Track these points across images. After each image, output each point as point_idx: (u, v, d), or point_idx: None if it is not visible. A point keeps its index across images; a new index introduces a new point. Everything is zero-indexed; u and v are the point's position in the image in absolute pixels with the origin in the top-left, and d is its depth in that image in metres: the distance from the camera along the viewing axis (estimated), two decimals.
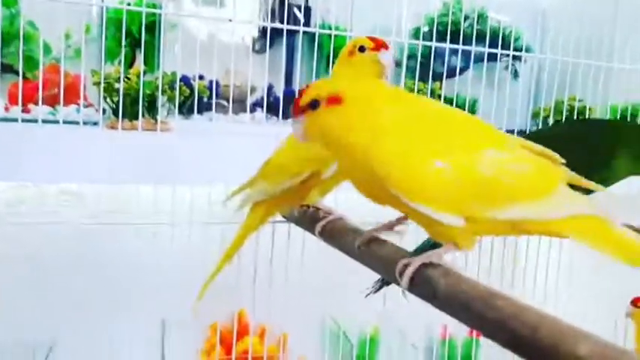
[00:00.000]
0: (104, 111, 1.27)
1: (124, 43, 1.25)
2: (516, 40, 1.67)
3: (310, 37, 1.47)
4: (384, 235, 0.52)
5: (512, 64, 1.72)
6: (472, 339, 1.73)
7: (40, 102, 1.17)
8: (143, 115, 1.23)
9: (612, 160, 0.68)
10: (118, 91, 1.22)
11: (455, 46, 1.50)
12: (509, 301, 0.37)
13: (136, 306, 1.49)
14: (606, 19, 1.59)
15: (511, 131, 1.56)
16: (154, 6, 1.31)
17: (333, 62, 1.52)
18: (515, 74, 1.73)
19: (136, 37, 1.38)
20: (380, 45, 0.61)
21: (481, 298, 0.38)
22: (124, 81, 1.23)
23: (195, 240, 1.43)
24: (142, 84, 1.22)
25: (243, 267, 1.45)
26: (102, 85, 1.22)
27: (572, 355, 0.31)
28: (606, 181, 0.68)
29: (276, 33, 1.45)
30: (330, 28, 1.48)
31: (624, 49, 1.52)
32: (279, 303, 1.40)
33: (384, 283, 0.69)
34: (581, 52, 1.51)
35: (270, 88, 1.53)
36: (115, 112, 1.24)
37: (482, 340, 1.70)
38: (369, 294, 0.70)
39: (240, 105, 1.47)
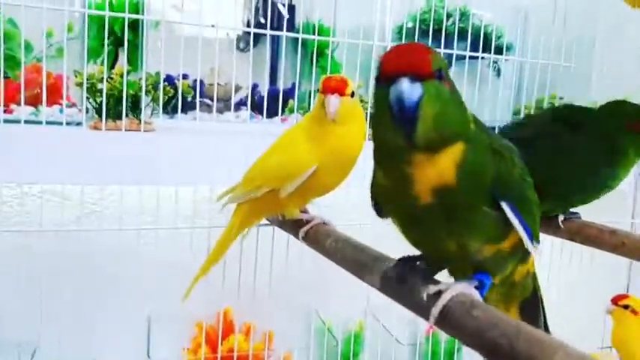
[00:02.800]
0: (87, 111, 1.26)
1: (106, 42, 1.24)
2: (498, 38, 1.68)
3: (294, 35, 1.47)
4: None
5: (495, 62, 1.74)
6: None
7: (22, 102, 1.16)
8: (127, 115, 1.23)
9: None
10: (101, 91, 1.21)
11: (436, 49, 1.50)
12: (488, 312, 0.38)
13: (122, 305, 1.49)
14: (588, 20, 1.60)
15: (493, 129, 1.57)
16: (137, 7, 1.31)
17: (317, 61, 1.52)
18: (498, 72, 1.75)
19: (118, 36, 1.37)
20: (326, 89, 0.62)
21: (461, 308, 0.39)
22: (107, 81, 1.22)
23: (180, 239, 1.43)
24: (125, 84, 1.22)
25: (228, 265, 1.45)
26: (85, 85, 1.21)
27: None
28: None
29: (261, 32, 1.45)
30: (313, 27, 1.49)
31: (604, 50, 1.54)
32: (264, 301, 1.41)
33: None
34: (562, 52, 1.53)
35: (254, 86, 1.53)
36: (99, 112, 1.23)
37: None
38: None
39: (224, 104, 1.47)
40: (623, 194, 1.66)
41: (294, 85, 1.52)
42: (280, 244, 1.15)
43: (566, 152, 0.73)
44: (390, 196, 0.46)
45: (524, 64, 1.65)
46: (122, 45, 1.33)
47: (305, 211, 0.72)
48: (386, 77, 0.42)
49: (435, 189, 0.42)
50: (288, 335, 1.63)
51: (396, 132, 0.40)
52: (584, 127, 0.74)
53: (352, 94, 0.65)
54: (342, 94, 0.63)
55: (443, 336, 1.75)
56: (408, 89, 0.40)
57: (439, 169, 0.42)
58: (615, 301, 1.21)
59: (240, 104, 1.50)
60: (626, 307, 1.18)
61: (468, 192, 0.43)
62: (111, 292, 1.47)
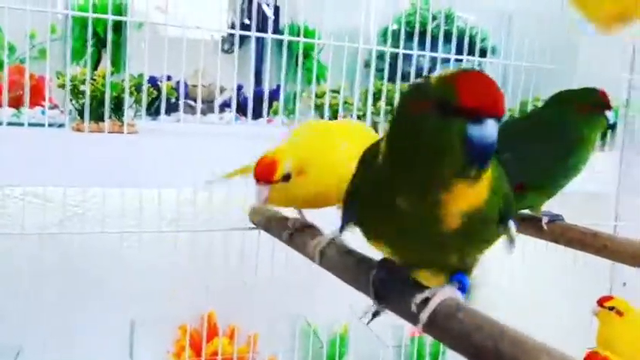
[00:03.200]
0: (70, 112, 1.25)
1: (89, 43, 1.23)
2: (482, 40, 1.69)
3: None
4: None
5: (479, 65, 1.74)
6: None
7: (4, 104, 1.15)
8: (110, 117, 1.22)
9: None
10: (83, 92, 1.20)
11: (421, 52, 1.51)
12: (472, 314, 0.38)
13: (105, 308, 1.48)
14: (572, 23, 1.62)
15: None
16: (120, 8, 1.30)
17: (303, 62, 1.52)
18: None
19: (101, 38, 1.36)
20: (255, 176, 0.62)
21: (446, 312, 0.39)
22: (89, 82, 1.21)
23: (163, 242, 1.42)
24: (108, 85, 1.21)
25: (212, 268, 1.45)
26: (67, 86, 1.20)
27: None
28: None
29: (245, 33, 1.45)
30: (298, 29, 1.48)
31: (588, 53, 1.56)
32: (248, 303, 1.41)
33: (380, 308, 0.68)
34: (546, 55, 1.54)
35: (239, 88, 1.52)
36: (81, 114, 1.22)
37: None
38: (368, 322, 0.69)
39: (208, 105, 1.47)
40: (606, 198, 1.67)
41: (279, 86, 1.51)
42: (265, 247, 1.14)
43: (532, 145, 0.78)
44: (400, 220, 0.43)
45: (508, 66, 1.66)
46: (105, 46, 1.32)
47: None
48: (467, 111, 0.40)
49: (466, 213, 0.42)
50: (272, 338, 1.62)
51: (464, 165, 0.40)
52: (542, 118, 0.82)
53: (287, 177, 0.62)
54: (269, 181, 0.62)
55: (428, 338, 1.76)
56: (494, 132, 0.40)
57: (476, 194, 0.42)
58: (601, 302, 1.22)
59: (225, 106, 1.50)
60: (611, 308, 1.19)
61: (491, 213, 0.44)
62: (94, 295, 1.46)
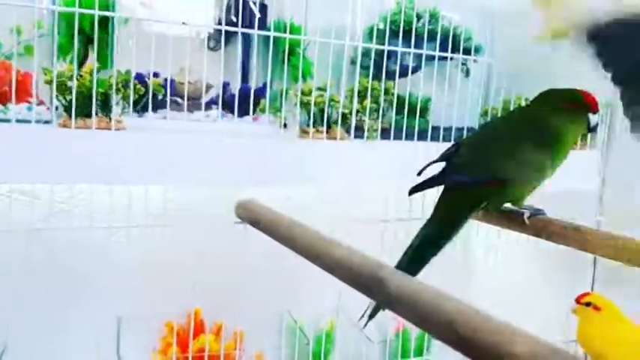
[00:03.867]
0: (56, 109, 1.25)
1: (76, 39, 1.23)
2: (467, 40, 1.71)
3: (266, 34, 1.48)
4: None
5: (464, 64, 1.76)
6: (425, 332, 1.77)
7: None
8: (96, 114, 1.22)
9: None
10: (70, 89, 1.20)
11: (407, 50, 1.53)
12: (453, 302, 0.39)
13: (91, 305, 1.48)
14: None
15: (461, 129, 1.60)
16: (106, 4, 1.30)
17: (289, 59, 1.53)
18: (467, 73, 1.77)
19: (88, 34, 1.36)
20: None
21: (428, 299, 0.41)
22: (76, 79, 1.21)
23: (150, 239, 1.43)
24: (95, 82, 1.21)
25: (198, 265, 1.45)
26: (54, 82, 1.20)
27: (510, 354, 0.33)
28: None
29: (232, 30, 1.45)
30: (285, 26, 1.49)
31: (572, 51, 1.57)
32: (235, 300, 1.41)
33: (378, 308, 0.70)
34: (530, 55, 1.56)
35: (225, 85, 1.52)
36: (68, 111, 1.22)
37: None
38: (366, 323, 0.71)
39: (195, 103, 1.47)
40: (588, 195, 1.70)
41: (265, 84, 1.52)
42: (251, 243, 1.15)
43: (514, 141, 0.81)
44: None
45: (492, 66, 1.68)
46: (91, 42, 1.32)
47: None
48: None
49: None
50: (259, 335, 1.63)
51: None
52: (525, 115, 0.86)
53: None
54: None
55: (413, 333, 1.77)
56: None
57: None
58: (578, 299, 1.24)
59: (211, 103, 1.50)
60: (588, 304, 1.22)
61: None
62: (81, 292, 1.46)
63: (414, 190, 0.80)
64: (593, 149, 1.70)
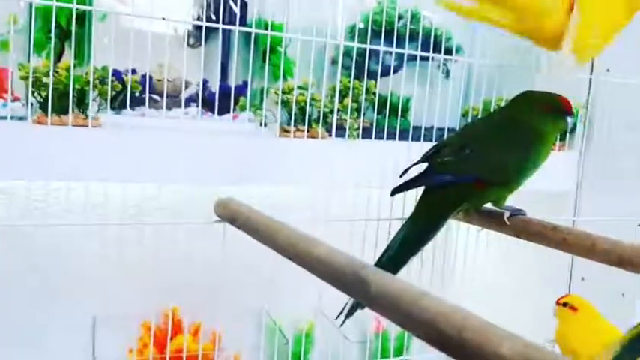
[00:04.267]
0: (32, 105, 1.23)
1: (53, 34, 1.21)
2: (448, 40, 1.71)
3: (246, 31, 1.46)
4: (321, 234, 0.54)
5: (444, 64, 1.77)
6: (404, 332, 1.77)
7: None
8: (73, 110, 1.20)
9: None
10: (46, 85, 1.18)
11: (389, 49, 1.53)
12: (436, 301, 0.38)
13: (67, 304, 1.46)
14: None
15: (442, 129, 1.60)
16: (84, 0, 1.27)
17: (270, 58, 1.52)
18: (447, 74, 1.78)
19: (65, 29, 1.33)
20: None
21: (410, 298, 0.40)
22: (52, 75, 1.19)
23: (126, 238, 1.41)
24: (71, 78, 1.19)
25: (176, 264, 1.44)
26: (30, 78, 1.17)
27: (495, 355, 0.33)
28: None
29: (212, 27, 1.43)
30: (265, 24, 1.48)
31: (550, 54, 1.59)
32: (213, 299, 1.40)
33: (356, 306, 0.70)
34: (510, 54, 1.57)
35: (205, 83, 1.51)
36: (44, 107, 1.20)
37: None
38: (343, 321, 0.71)
39: (173, 100, 1.45)
40: (566, 196, 1.71)
41: (245, 82, 1.51)
42: (230, 243, 1.14)
43: (494, 142, 0.83)
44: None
45: (472, 66, 1.68)
46: (68, 38, 1.30)
47: None
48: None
49: None
50: (237, 335, 1.62)
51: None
52: (504, 116, 0.86)
53: None
54: None
55: (392, 333, 1.77)
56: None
57: None
58: (557, 301, 1.25)
59: (190, 101, 1.48)
60: (565, 304, 1.23)
61: None
62: (56, 291, 1.43)
63: (396, 191, 0.80)
64: (571, 151, 1.71)
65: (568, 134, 1.69)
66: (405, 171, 0.82)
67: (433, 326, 0.37)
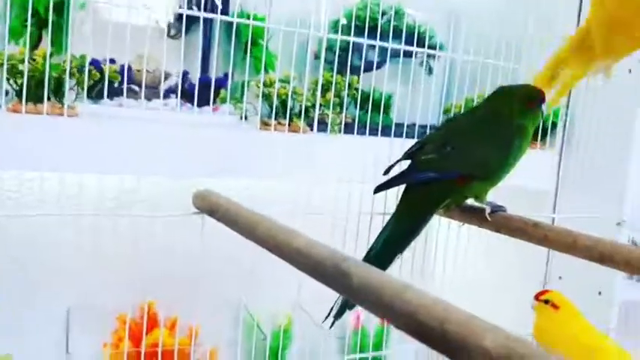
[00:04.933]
0: (7, 93, 1.20)
1: (29, 21, 1.18)
2: (430, 38, 1.71)
3: (228, 23, 1.45)
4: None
5: (427, 61, 1.77)
6: (383, 328, 1.77)
7: None
8: (49, 99, 1.17)
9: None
10: (22, 72, 1.15)
11: (372, 42, 1.52)
12: (419, 294, 0.38)
13: (41, 297, 1.43)
14: (517, 22, 1.66)
15: (424, 126, 1.60)
16: None
17: (251, 50, 1.51)
18: (430, 71, 1.78)
19: (42, 17, 1.30)
20: None
21: (392, 291, 0.39)
22: (29, 62, 1.16)
23: (103, 229, 1.39)
24: (48, 66, 1.16)
25: (153, 257, 1.42)
26: (5, 65, 1.15)
27: (479, 347, 0.32)
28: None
29: (193, 18, 1.41)
30: (248, 16, 1.46)
31: (530, 51, 1.60)
32: (190, 293, 1.39)
33: (345, 307, 0.69)
34: (491, 53, 1.57)
35: (185, 74, 1.49)
36: (19, 95, 1.17)
37: (393, 328, 1.74)
38: (332, 324, 0.70)
39: (153, 91, 1.43)
40: (545, 195, 1.72)
41: (226, 74, 1.49)
42: (209, 237, 1.13)
43: (476, 137, 0.83)
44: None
45: (455, 63, 1.68)
46: (46, 26, 1.27)
47: None
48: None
49: None
50: (215, 329, 1.60)
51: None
52: (485, 111, 0.86)
53: None
54: None
55: (371, 328, 1.77)
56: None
57: None
58: (537, 296, 1.26)
59: (170, 92, 1.46)
60: (546, 301, 1.23)
61: None
62: (30, 283, 1.41)
63: (379, 189, 0.79)
64: (551, 149, 1.73)
65: (549, 133, 1.70)
66: (389, 169, 0.82)
67: (415, 319, 0.36)
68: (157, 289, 1.45)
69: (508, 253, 1.57)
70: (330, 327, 0.68)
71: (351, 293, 0.42)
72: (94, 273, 1.45)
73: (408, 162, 0.81)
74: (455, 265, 1.55)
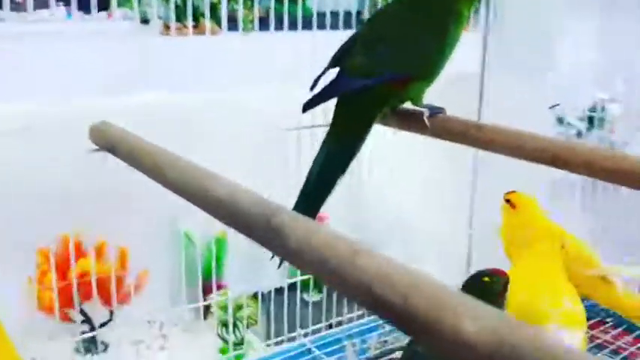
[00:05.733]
0: None
1: None
2: None
3: None
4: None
5: None
6: None
7: None
8: None
9: None
10: None
11: None
12: (375, 259, 0.30)
13: None
14: None
15: (349, 13, 1.50)
16: None
17: None
18: None
19: None
20: None
21: (340, 255, 0.32)
22: None
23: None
24: None
25: (66, 187, 1.30)
26: None
27: (456, 333, 0.25)
28: None
29: None
30: None
31: None
32: (118, 218, 1.30)
33: None
34: None
35: None
36: None
37: None
38: (279, 265, 0.61)
39: (39, 1, 1.26)
40: (472, 77, 1.68)
41: None
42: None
43: (409, 30, 0.73)
44: None
45: None
46: None
47: None
48: None
49: None
50: (145, 249, 1.53)
51: None
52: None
53: None
54: None
55: None
56: None
57: None
58: (504, 197, 1.25)
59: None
60: (507, 201, 1.22)
61: None
62: None
63: (308, 106, 0.70)
64: (475, 32, 1.67)
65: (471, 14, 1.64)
66: (315, 82, 0.72)
67: (371, 292, 0.30)
68: (76, 219, 1.35)
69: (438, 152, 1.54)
70: (278, 268, 0.61)
71: (288, 256, 0.34)
72: (11, 208, 1.34)
73: (336, 70, 0.72)
74: (382, 170, 1.50)
